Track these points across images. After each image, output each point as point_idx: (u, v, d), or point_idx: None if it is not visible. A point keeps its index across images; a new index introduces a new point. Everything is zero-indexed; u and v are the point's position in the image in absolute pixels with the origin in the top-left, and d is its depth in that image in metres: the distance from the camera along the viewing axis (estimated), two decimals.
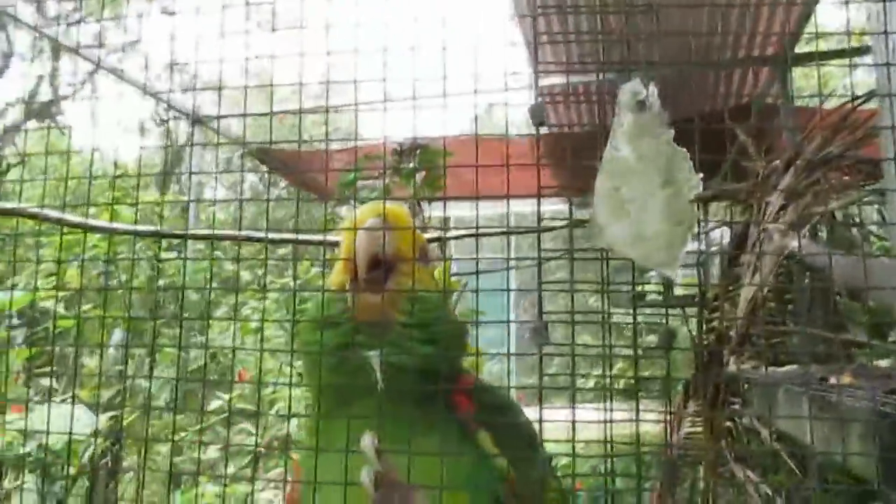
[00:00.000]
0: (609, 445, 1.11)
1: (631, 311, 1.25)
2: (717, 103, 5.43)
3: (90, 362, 3.89)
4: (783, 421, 1.61)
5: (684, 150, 1.02)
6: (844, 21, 1.43)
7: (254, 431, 4.36)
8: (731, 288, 3.03)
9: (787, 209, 2.74)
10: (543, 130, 4.85)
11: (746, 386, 2.57)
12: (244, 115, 1.47)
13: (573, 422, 1.11)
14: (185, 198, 5.09)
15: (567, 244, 1.23)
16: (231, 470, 4.11)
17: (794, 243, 2.30)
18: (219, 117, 4.60)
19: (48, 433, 1.88)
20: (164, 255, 4.39)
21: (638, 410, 1.10)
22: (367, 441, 1.19)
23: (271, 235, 2.08)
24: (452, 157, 2.12)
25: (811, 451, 1.68)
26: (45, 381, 3.48)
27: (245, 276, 5.97)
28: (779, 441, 2.51)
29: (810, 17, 3.91)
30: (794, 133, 3.72)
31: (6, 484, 3.17)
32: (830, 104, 3.11)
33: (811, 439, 1.17)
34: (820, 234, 2.96)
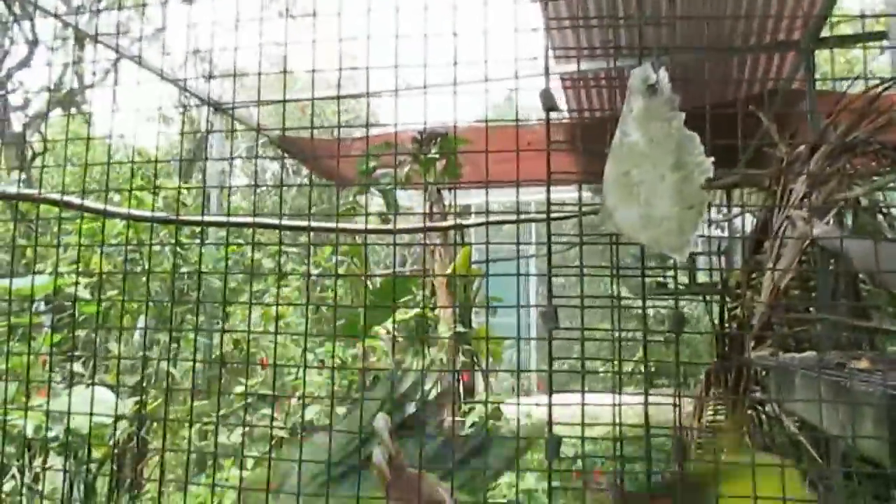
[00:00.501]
0: (619, 429, 1.12)
1: (651, 298, 1.25)
2: (742, 89, 5.36)
3: (115, 348, 3.95)
4: (800, 407, 1.61)
5: (694, 133, 1.01)
6: (867, 4, 1.41)
7: (275, 417, 4.42)
8: (753, 275, 3.00)
9: (810, 196, 2.71)
10: (560, 116, 4.82)
11: (764, 373, 2.56)
12: (258, 103, 1.48)
13: (582, 405, 1.11)
14: (208, 186, 5.14)
15: (589, 230, 1.23)
16: (254, 454, 4.16)
17: (817, 230, 2.27)
18: (233, 106, 4.63)
19: (69, 415, 1.92)
20: (185, 242, 4.44)
21: (647, 394, 1.10)
22: (381, 423, 1.21)
23: (285, 222, 2.11)
24: (470, 144, 2.13)
25: (826, 435, 1.67)
26: (72, 366, 3.55)
27: (267, 263, 6.04)
28: (801, 429, 2.49)
29: (836, 2, 3.84)
30: (817, 119, 3.67)
31: (35, 466, 3.24)
32: (857, 89, 3.05)
33: (821, 422, 1.16)
34: (845, 220, 2.92)
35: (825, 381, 1.18)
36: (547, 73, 1.22)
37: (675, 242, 0.99)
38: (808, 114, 3.91)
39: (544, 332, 1.24)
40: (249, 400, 4.37)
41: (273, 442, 4.44)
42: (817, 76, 4.31)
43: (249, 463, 4.03)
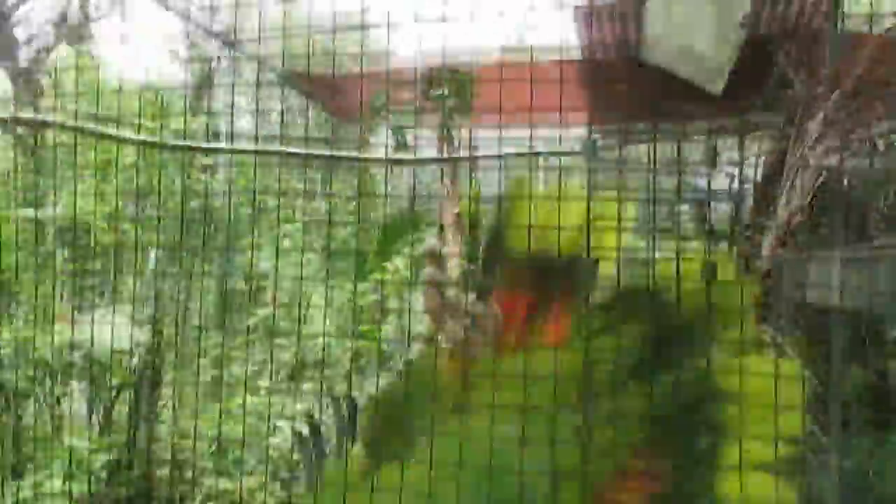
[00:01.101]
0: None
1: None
2: (764, 27, 5.22)
3: (130, 279, 4.00)
4: (812, 292, 1.68)
5: None
6: None
7: (288, 347, 4.50)
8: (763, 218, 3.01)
9: (825, 137, 2.69)
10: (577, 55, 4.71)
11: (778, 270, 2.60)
12: (259, 38, 1.48)
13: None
14: (216, 120, 5.12)
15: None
16: (265, 384, 4.25)
17: (832, 161, 2.28)
18: (235, 41, 4.59)
19: (92, 342, 1.97)
20: (197, 176, 4.46)
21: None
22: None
23: (287, 149, 2.13)
24: (482, 79, 2.11)
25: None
26: (89, 295, 3.60)
27: (274, 202, 6.05)
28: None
29: None
30: (838, 59, 3.59)
31: (56, 390, 3.33)
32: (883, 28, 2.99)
33: (840, 298, 1.21)
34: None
35: (841, 259, 1.23)
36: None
37: (711, 75, 1.02)
38: (829, 54, 3.84)
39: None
40: (259, 332, 4.45)
41: (283, 374, 4.54)
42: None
43: (262, 391, 4.13)
